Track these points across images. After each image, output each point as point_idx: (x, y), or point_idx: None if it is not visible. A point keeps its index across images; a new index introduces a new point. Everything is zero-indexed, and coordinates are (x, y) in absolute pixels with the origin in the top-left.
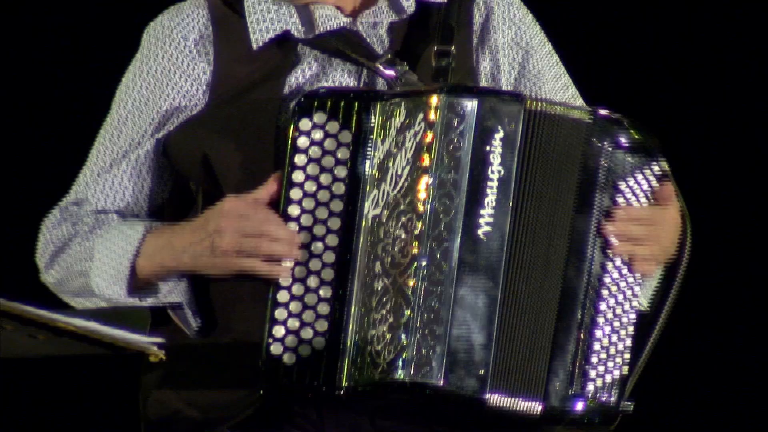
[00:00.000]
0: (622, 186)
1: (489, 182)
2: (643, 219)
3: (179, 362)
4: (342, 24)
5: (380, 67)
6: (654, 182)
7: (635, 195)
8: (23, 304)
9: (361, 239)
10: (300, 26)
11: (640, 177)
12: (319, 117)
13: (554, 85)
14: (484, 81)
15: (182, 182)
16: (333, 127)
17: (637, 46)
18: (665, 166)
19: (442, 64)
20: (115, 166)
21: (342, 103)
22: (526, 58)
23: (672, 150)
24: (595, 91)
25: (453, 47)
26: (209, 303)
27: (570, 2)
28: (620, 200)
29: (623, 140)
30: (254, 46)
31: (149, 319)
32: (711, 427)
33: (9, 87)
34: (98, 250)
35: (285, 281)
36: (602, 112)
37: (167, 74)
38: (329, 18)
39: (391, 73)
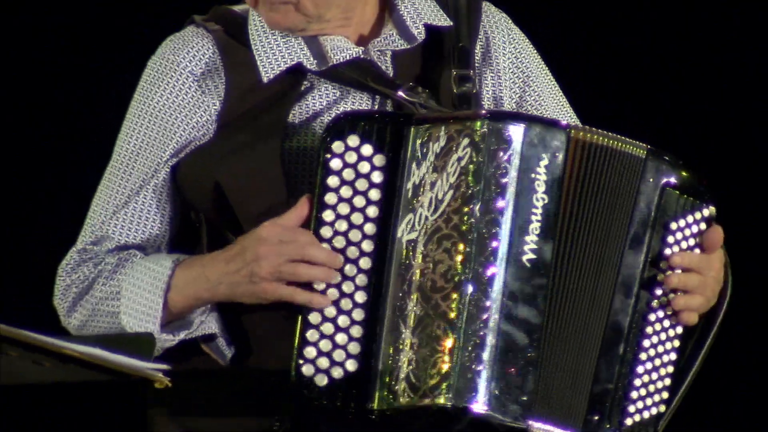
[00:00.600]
0: (673, 226)
1: (534, 210)
2: (695, 267)
3: (188, 392)
4: (355, 54)
5: (402, 94)
6: (703, 226)
7: (684, 237)
8: (28, 330)
9: (395, 262)
10: (312, 58)
11: (690, 219)
12: (352, 140)
13: (555, 108)
14: (487, 104)
15: (184, 213)
16: (367, 150)
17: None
18: (714, 211)
19: (464, 90)
20: (132, 198)
21: (376, 127)
22: (526, 82)
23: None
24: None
25: (472, 71)
26: (240, 332)
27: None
28: (670, 240)
29: (676, 180)
30: (264, 80)
31: (155, 344)
32: None
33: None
34: (126, 288)
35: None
36: (653, 148)
37: (176, 108)
38: (341, 49)
39: (413, 100)
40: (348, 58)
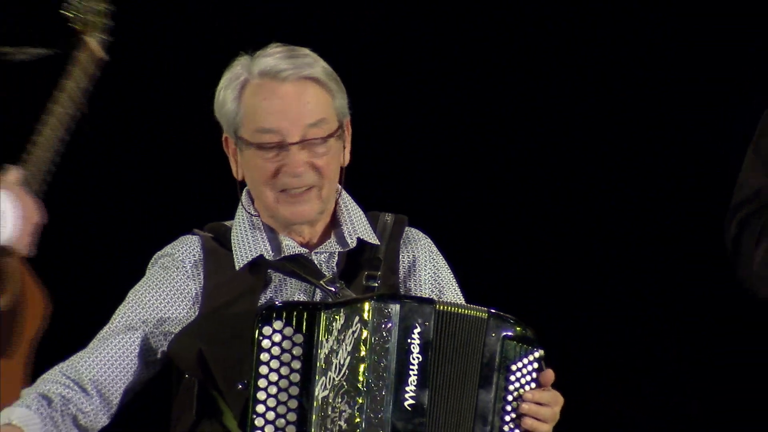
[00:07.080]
0: (513, 368)
1: (411, 366)
2: (545, 401)
3: None
4: (299, 251)
5: (323, 284)
6: (536, 365)
7: (523, 374)
8: None
9: (314, 416)
10: (270, 252)
11: (525, 361)
12: (277, 324)
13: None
14: None
15: (183, 376)
16: (288, 331)
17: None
18: (542, 353)
19: (370, 285)
20: (109, 339)
21: (294, 313)
22: (441, 290)
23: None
24: None
25: (380, 272)
26: None
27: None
28: (512, 378)
29: (510, 332)
30: (237, 267)
31: None
32: None
33: None
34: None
35: None
36: (494, 311)
37: (166, 288)
38: (291, 247)
39: (332, 289)
40: (294, 253)
